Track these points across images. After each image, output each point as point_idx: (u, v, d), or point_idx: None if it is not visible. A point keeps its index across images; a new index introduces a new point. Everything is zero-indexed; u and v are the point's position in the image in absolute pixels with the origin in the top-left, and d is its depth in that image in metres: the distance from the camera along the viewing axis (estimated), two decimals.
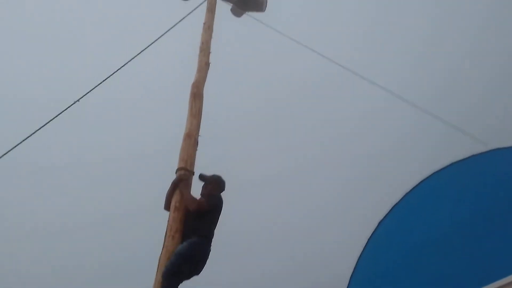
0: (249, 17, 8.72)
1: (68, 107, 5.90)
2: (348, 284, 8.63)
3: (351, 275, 8.66)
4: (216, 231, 4.57)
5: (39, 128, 5.65)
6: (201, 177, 5.06)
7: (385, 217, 8.53)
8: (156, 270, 4.17)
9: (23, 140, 5.55)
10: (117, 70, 6.69)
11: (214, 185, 5.00)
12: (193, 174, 5.20)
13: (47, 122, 5.71)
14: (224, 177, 5.07)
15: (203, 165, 5.47)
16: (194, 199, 4.66)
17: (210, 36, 7.24)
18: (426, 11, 24.95)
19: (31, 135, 5.58)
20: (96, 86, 6.32)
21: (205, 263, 4.30)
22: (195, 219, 4.44)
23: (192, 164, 5.25)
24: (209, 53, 6.92)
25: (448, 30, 24.75)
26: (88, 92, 6.17)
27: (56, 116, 5.79)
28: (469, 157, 7.46)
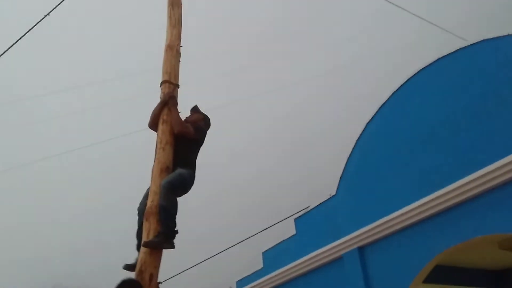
0: None
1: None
2: (338, 186, 8.96)
3: (340, 176, 8.96)
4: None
5: None
6: (194, 109, 5.06)
7: (372, 118, 8.63)
8: (150, 180, 4.26)
9: None
10: None
11: (201, 117, 5.02)
12: (178, 87, 5.11)
13: None
14: None
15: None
16: (182, 120, 4.66)
17: None
18: None
19: None
20: None
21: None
22: (187, 150, 4.52)
23: (176, 76, 5.14)
24: None
25: None
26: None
27: None
28: (456, 51, 7.37)
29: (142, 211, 4.13)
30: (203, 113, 5.10)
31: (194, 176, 4.48)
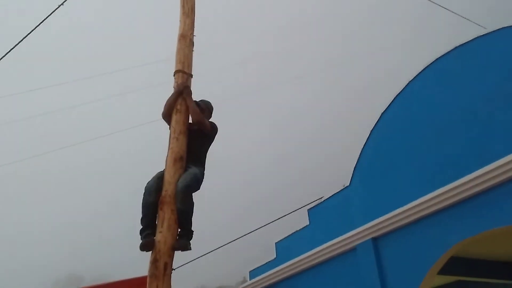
0: None
1: None
2: (352, 177, 8.90)
3: (354, 167, 8.90)
4: None
5: None
6: (196, 105, 4.98)
7: (387, 108, 8.52)
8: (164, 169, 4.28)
9: None
10: None
11: (208, 113, 4.99)
12: (191, 77, 5.10)
13: None
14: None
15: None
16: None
17: None
18: None
19: None
20: None
21: None
22: (200, 145, 4.56)
23: (190, 65, 5.13)
24: None
25: None
26: None
27: None
28: (474, 39, 7.22)
29: (149, 190, 4.11)
30: (207, 105, 5.05)
31: (204, 172, 4.54)
